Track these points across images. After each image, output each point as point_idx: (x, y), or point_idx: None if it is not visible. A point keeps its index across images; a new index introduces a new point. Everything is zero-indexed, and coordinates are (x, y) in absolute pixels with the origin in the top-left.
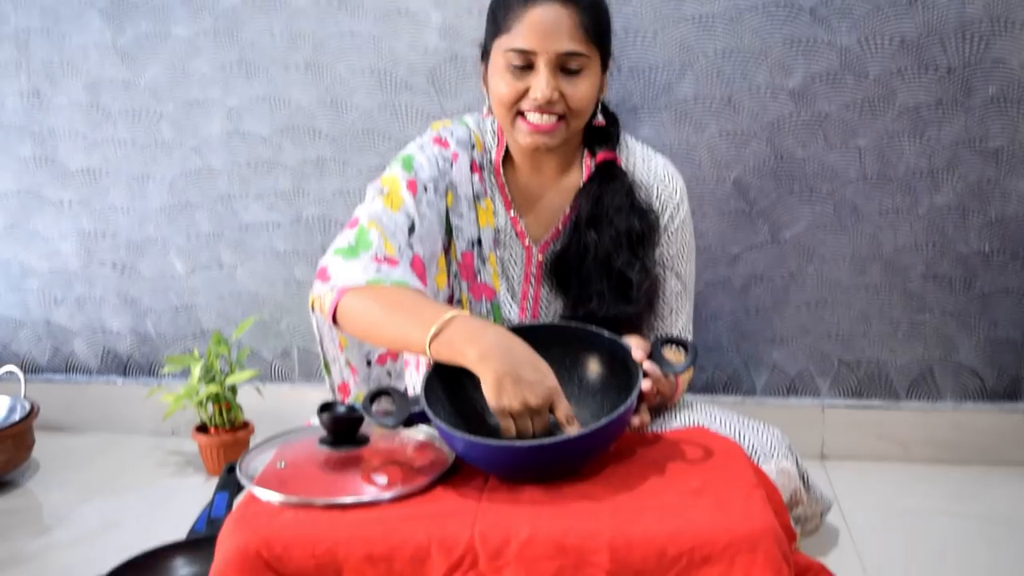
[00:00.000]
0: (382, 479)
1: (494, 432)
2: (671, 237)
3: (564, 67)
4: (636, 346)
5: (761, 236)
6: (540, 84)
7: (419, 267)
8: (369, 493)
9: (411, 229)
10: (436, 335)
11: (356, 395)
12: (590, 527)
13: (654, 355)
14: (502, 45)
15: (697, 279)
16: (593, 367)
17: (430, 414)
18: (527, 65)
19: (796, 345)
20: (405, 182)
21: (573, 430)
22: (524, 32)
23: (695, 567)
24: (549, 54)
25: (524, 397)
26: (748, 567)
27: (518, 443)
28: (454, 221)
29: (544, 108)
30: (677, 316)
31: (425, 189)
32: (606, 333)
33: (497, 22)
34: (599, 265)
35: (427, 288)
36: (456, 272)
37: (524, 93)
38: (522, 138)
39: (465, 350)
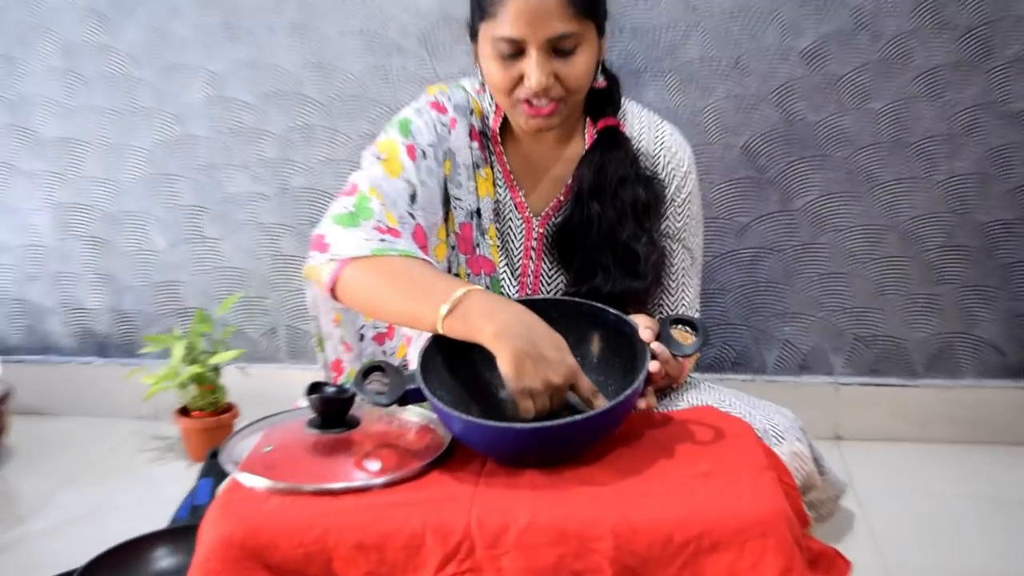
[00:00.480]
0: (374, 463)
1: (503, 407)
2: (679, 208)
3: (557, 49)
4: (644, 325)
5: (771, 205)
6: (533, 73)
7: (421, 237)
8: (360, 478)
9: (412, 197)
10: (451, 311)
11: (349, 373)
12: (593, 512)
13: (662, 335)
14: (488, 32)
15: (704, 251)
16: (598, 346)
17: (426, 392)
18: (517, 52)
19: (808, 320)
20: (404, 147)
21: (599, 402)
22: (510, 19)
23: (703, 554)
24: (539, 40)
25: (546, 376)
26: (759, 554)
27: (518, 425)
28: (452, 191)
29: (540, 95)
30: (685, 291)
31: (424, 155)
32: (612, 310)
33: (481, 4)
34: (603, 238)
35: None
36: (454, 244)
37: (519, 80)
38: (523, 122)
39: (482, 327)
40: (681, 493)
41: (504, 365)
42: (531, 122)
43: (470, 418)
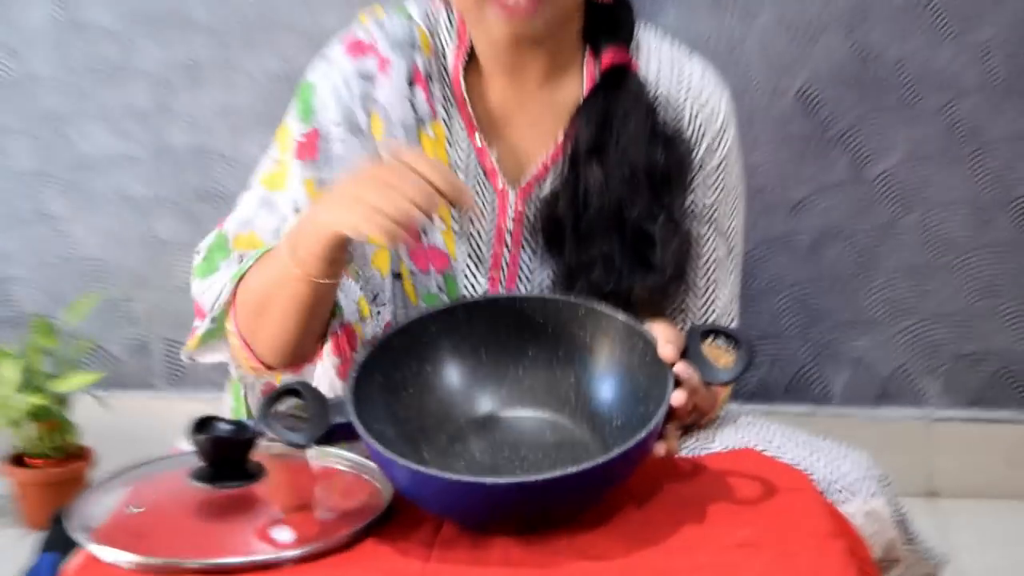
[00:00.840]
0: (285, 530)
1: (467, 444)
2: (711, 177)
3: None
4: (664, 339)
5: (838, 172)
6: None
7: None
8: (266, 550)
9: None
10: (302, 257)
11: None
12: None
13: (689, 353)
14: None
15: (746, 236)
16: (600, 365)
17: (359, 427)
18: None
19: (890, 331)
20: (295, 144)
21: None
22: None
23: None
24: None
25: (371, 202)
26: None
27: (489, 480)
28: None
29: None
30: (719, 291)
31: (329, 139)
32: (620, 315)
33: None
34: (606, 216)
35: (365, 274)
36: None
37: None
38: (496, 29)
39: (324, 221)
40: (715, 569)
41: (345, 227)
42: (505, 27)
43: (420, 468)
